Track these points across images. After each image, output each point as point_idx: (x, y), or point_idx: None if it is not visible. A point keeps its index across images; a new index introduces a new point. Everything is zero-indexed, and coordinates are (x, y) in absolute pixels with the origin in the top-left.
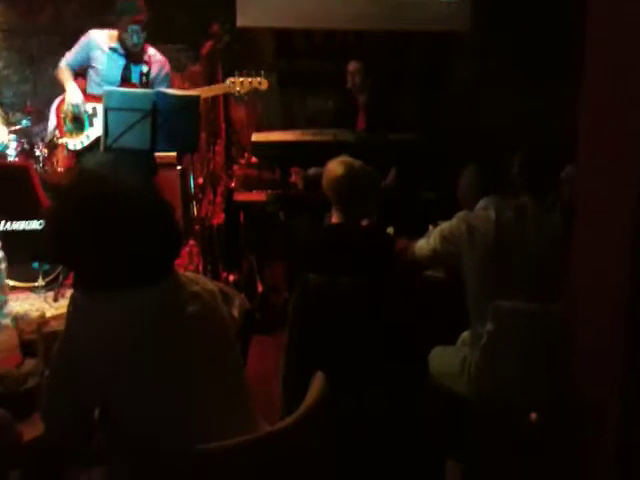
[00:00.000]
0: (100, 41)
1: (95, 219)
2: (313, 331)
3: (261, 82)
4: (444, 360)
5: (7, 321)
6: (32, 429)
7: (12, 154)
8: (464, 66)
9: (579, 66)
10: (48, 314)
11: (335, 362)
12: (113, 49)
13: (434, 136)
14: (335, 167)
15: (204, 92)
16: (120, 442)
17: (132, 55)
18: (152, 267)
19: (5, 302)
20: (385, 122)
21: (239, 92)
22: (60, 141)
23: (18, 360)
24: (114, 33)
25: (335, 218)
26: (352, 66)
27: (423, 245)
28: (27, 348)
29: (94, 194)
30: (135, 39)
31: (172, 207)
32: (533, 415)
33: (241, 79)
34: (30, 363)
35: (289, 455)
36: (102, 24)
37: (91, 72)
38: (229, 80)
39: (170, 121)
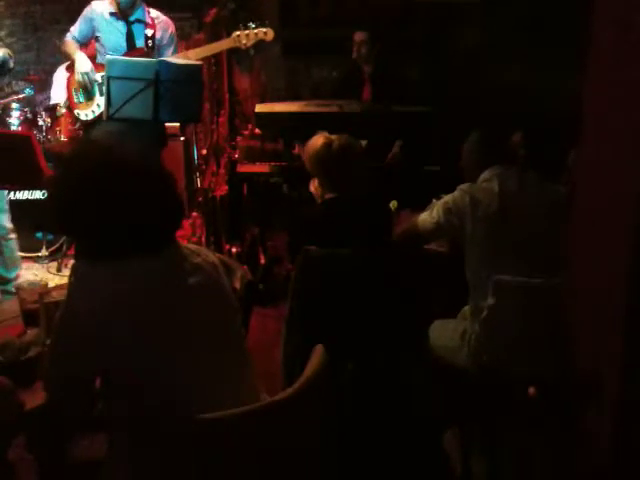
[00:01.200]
0: (101, 10)
1: (97, 187)
2: (315, 303)
3: (266, 32)
4: (444, 333)
5: None
6: (34, 398)
7: (15, 123)
8: (471, 36)
9: (586, 38)
10: (51, 284)
11: (337, 334)
12: (113, 14)
13: (440, 108)
14: (314, 143)
15: (211, 49)
16: (121, 410)
17: (124, 13)
18: (153, 236)
19: (18, 275)
20: (391, 93)
21: (245, 45)
22: (74, 113)
23: (20, 329)
24: None
25: (327, 194)
26: (358, 36)
27: (426, 218)
28: (29, 318)
29: (96, 162)
30: None
31: (174, 177)
32: (531, 389)
33: (246, 32)
34: (32, 333)
35: (289, 426)
36: None
37: (97, 44)
38: (234, 34)
39: (173, 90)
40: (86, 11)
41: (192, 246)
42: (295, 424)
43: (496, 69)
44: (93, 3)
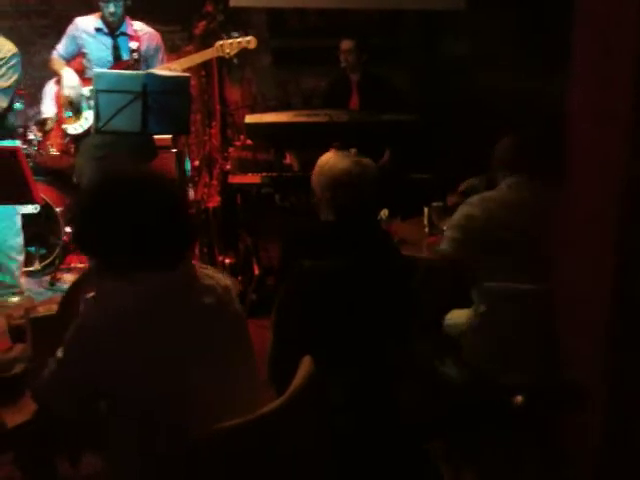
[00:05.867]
0: (86, 26)
1: (120, 213)
2: (309, 316)
3: (249, 41)
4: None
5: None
6: (17, 415)
7: None
8: (459, 43)
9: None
10: (44, 298)
11: (330, 346)
12: (98, 29)
13: (428, 116)
14: (335, 161)
15: (194, 59)
16: (127, 428)
17: (112, 28)
18: (169, 255)
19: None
20: (379, 101)
21: (228, 54)
22: (62, 127)
23: (6, 346)
24: (97, 14)
25: (327, 214)
26: (345, 45)
27: (444, 247)
28: (16, 333)
29: (120, 190)
30: (111, 7)
31: (187, 200)
32: (518, 398)
33: (230, 41)
34: (18, 349)
35: (277, 438)
36: (91, 7)
37: (84, 59)
38: (218, 43)
39: (161, 102)
40: (70, 29)
41: (207, 270)
42: (283, 436)
43: (484, 77)
44: (77, 20)
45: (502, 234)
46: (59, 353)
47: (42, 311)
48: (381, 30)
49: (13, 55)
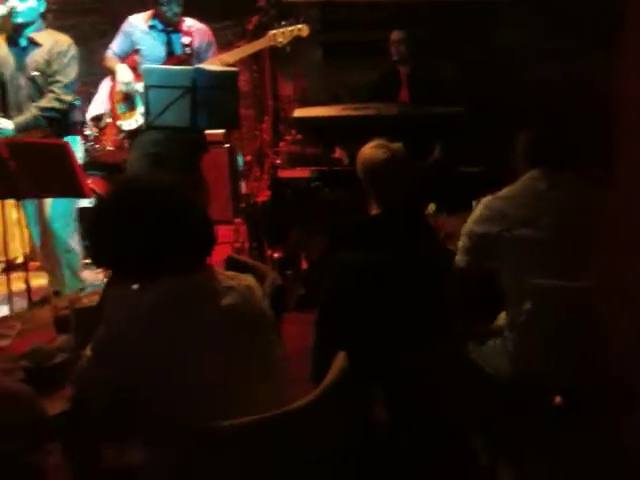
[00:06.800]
0: (139, 24)
1: (135, 221)
2: (345, 309)
3: (301, 29)
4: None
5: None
6: (58, 404)
7: None
8: (510, 34)
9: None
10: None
11: (367, 340)
12: (152, 27)
13: (478, 108)
14: (373, 152)
15: (248, 49)
16: (151, 425)
17: (171, 24)
18: (183, 259)
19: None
20: (428, 94)
21: (281, 42)
22: (117, 123)
23: (51, 336)
24: (149, 12)
25: (374, 208)
26: (395, 35)
27: (459, 259)
28: (60, 324)
29: (134, 200)
30: (175, 7)
31: (197, 205)
32: (558, 398)
33: (282, 30)
34: (61, 339)
35: (306, 432)
36: (146, 4)
37: (137, 56)
38: (270, 33)
39: (209, 97)
40: (124, 26)
41: (229, 272)
42: (311, 434)
43: (535, 68)
44: (130, 18)
45: (520, 231)
46: (87, 351)
47: (86, 302)
48: (431, 21)
49: (70, 46)
